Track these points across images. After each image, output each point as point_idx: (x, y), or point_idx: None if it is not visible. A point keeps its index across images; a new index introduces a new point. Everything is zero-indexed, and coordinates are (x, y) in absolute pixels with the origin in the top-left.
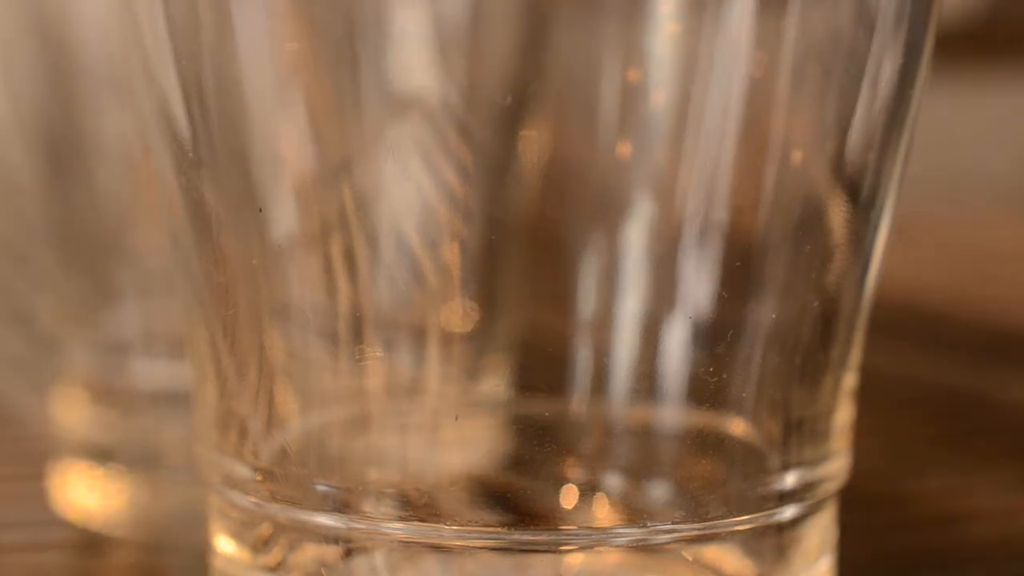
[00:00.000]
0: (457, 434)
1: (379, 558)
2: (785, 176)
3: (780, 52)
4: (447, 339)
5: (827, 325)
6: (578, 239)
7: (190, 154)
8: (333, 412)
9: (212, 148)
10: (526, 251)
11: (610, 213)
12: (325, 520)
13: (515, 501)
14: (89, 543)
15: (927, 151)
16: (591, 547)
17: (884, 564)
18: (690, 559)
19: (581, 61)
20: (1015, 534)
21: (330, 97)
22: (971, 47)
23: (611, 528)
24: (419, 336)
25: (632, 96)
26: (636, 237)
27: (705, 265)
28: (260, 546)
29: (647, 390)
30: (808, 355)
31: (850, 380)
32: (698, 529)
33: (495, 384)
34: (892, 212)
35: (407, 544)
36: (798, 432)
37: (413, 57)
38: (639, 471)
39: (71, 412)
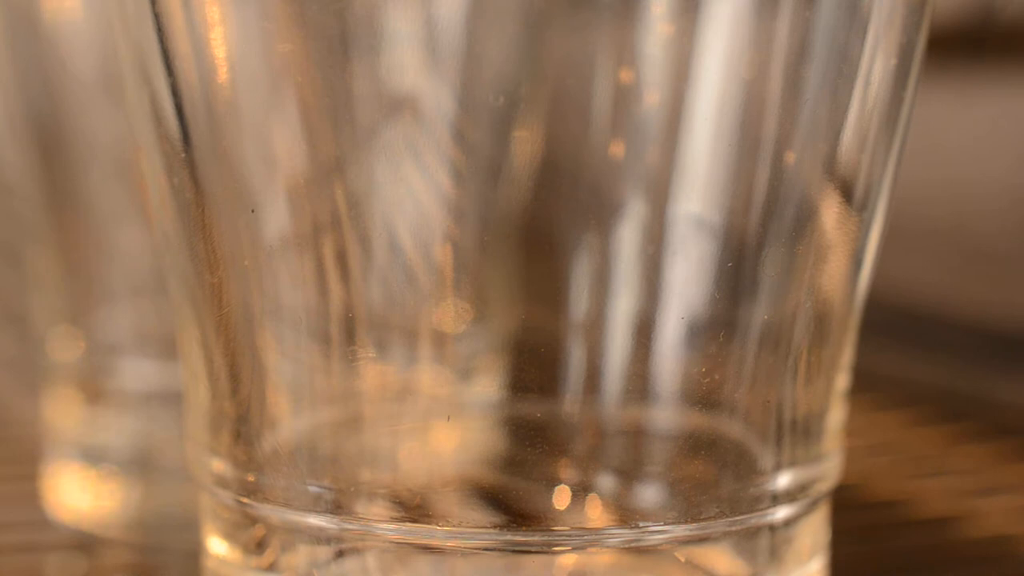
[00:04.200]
0: (449, 435)
1: (371, 559)
2: (778, 177)
3: (772, 53)
4: (439, 340)
5: (819, 326)
6: (570, 240)
7: (181, 154)
8: (325, 413)
9: (203, 149)
10: (518, 252)
11: (602, 214)
12: (317, 521)
13: (508, 502)
14: (82, 544)
15: (920, 152)
16: (584, 548)
17: (883, 564)
18: (682, 560)
19: (573, 62)
20: (1015, 534)
21: (322, 98)
22: (964, 48)
23: (604, 529)
24: (411, 337)
25: (624, 97)
26: (628, 237)
27: (697, 266)
28: (252, 547)
29: (639, 391)
30: (800, 356)
31: (842, 381)
32: (690, 530)
33: (487, 385)
34: (885, 213)
35: (399, 545)
36: (791, 432)
37: (405, 58)
38: (632, 472)
39: (63, 413)
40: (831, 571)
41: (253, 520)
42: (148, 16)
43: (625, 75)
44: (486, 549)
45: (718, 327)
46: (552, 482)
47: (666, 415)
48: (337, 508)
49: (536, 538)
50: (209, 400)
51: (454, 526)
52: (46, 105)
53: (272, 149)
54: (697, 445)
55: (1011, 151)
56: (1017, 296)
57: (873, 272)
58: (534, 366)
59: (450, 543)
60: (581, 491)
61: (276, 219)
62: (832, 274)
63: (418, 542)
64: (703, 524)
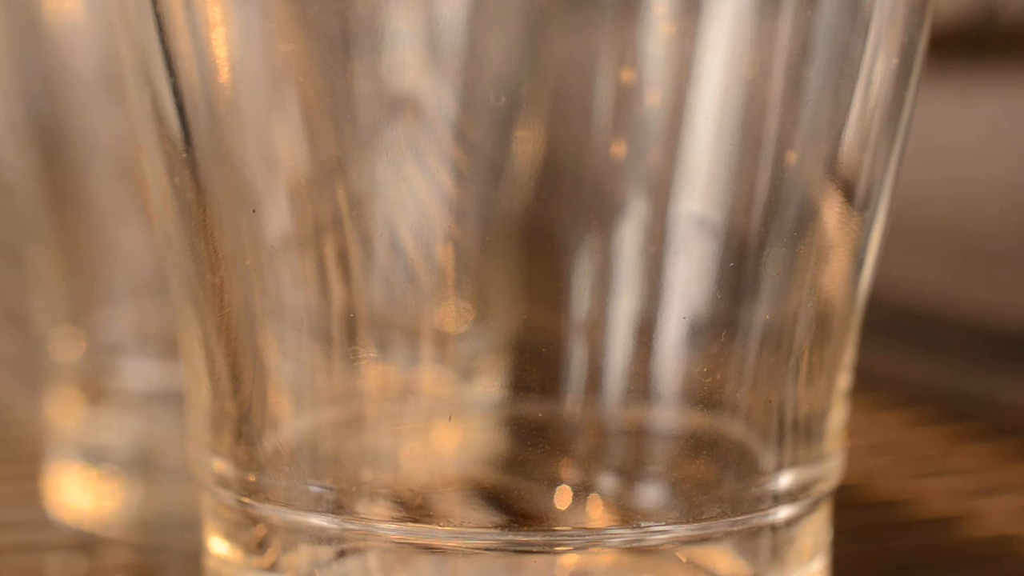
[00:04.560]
0: (451, 435)
1: (372, 559)
2: (779, 176)
3: (774, 53)
4: (441, 340)
5: (821, 326)
6: (572, 239)
7: (183, 154)
8: (327, 413)
9: (205, 148)
10: (520, 251)
11: (604, 213)
12: (319, 521)
13: (509, 502)
14: (83, 544)
15: (921, 152)
16: (585, 548)
17: (884, 564)
18: (684, 560)
19: (574, 61)
20: (1016, 534)
21: (323, 98)
22: (965, 48)
23: (605, 529)
24: (413, 337)
25: (626, 97)
26: (630, 237)
27: (699, 265)
28: (254, 547)
29: (641, 390)
30: (802, 355)
31: (844, 380)
32: (692, 530)
33: (489, 385)
34: (886, 213)
35: (401, 545)
36: (792, 432)
37: (406, 58)
38: (633, 472)
39: (65, 413)
40: (833, 571)
41: (254, 520)
42: (149, 16)
43: (627, 75)
44: (487, 549)
45: (720, 327)
46: (554, 482)
47: (668, 415)
48: (338, 508)
49: (538, 538)
50: (210, 400)
51: (455, 526)
52: (47, 105)
53: (274, 149)
54: (699, 445)
55: (1012, 151)
56: (1018, 296)
57: (875, 272)
58: (536, 366)
59: (451, 543)
60: (583, 491)
61: (278, 219)
62: (834, 274)
63: (419, 542)
64: (705, 524)
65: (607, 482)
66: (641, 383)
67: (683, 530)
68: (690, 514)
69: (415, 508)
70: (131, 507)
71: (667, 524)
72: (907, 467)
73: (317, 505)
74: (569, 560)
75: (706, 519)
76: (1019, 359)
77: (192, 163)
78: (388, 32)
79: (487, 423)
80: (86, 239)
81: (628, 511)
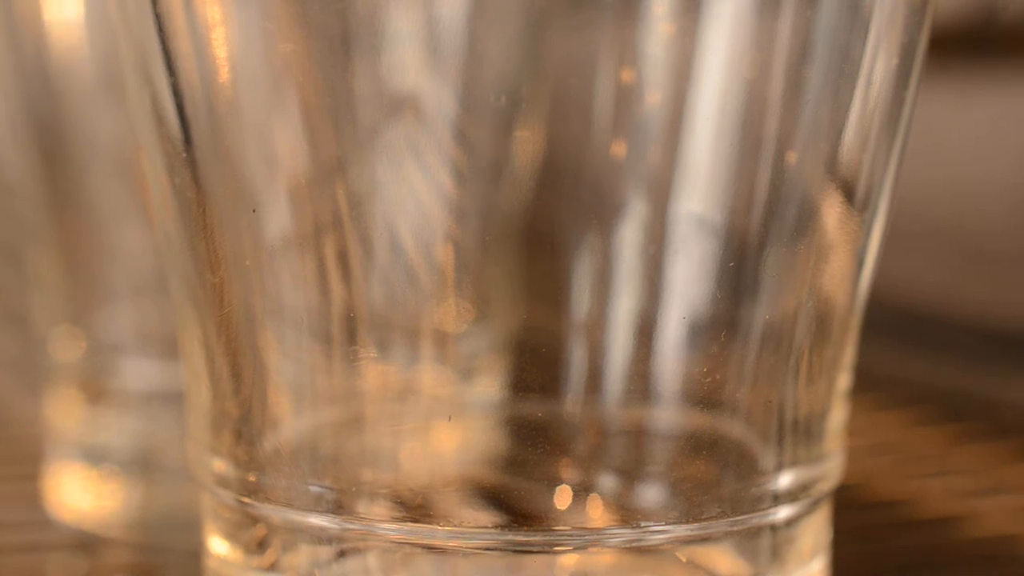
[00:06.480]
0: (451, 435)
1: (372, 559)
2: (779, 176)
3: (774, 53)
4: (441, 339)
5: (821, 326)
6: (572, 239)
7: (183, 154)
8: (327, 413)
9: (205, 148)
10: (520, 251)
11: (604, 213)
12: (319, 521)
13: (509, 502)
14: (83, 544)
15: (921, 152)
16: (585, 548)
17: (884, 564)
18: (684, 560)
19: (575, 61)
20: (1016, 534)
21: (323, 98)
22: (966, 48)
23: (605, 529)
24: (413, 337)
25: (626, 97)
26: (630, 237)
27: (699, 265)
28: (254, 547)
29: (641, 390)
30: (802, 355)
31: (844, 380)
32: (692, 530)
33: (489, 385)
34: (886, 213)
35: (401, 545)
36: (792, 432)
37: (406, 57)
38: (633, 472)
39: (65, 413)
40: (832, 571)
41: (254, 520)
42: (149, 16)
43: (627, 75)
44: (488, 549)
45: (720, 327)
46: (553, 482)
47: (667, 415)
48: (339, 508)
49: (538, 538)
50: (210, 400)
51: (455, 526)
52: (47, 105)
53: (273, 149)
54: (699, 445)
55: (1012, 151)
56: (1018, 296)
57: (874, 272)
58: (535, 366)
59: (452, 543)
60: (582, 491)
61: (278, 219)
62: (834, 274)
63: (420, 542)
64: (704, 524)
65: (607, 482)
66: (641, 383)
67: (683, 530)
68: (690, 514)
69: (415, 508)
70: (131, 507)
71: (667, 524)
72: (907, 467)
73: (317, 505)
74: (569, 560)
75: (706, 519)
76: (1019, 359)
77: (192, 163)
78: (388, 32)
79: (487, 423)
80: (86, 239)
81: (628, 511)
